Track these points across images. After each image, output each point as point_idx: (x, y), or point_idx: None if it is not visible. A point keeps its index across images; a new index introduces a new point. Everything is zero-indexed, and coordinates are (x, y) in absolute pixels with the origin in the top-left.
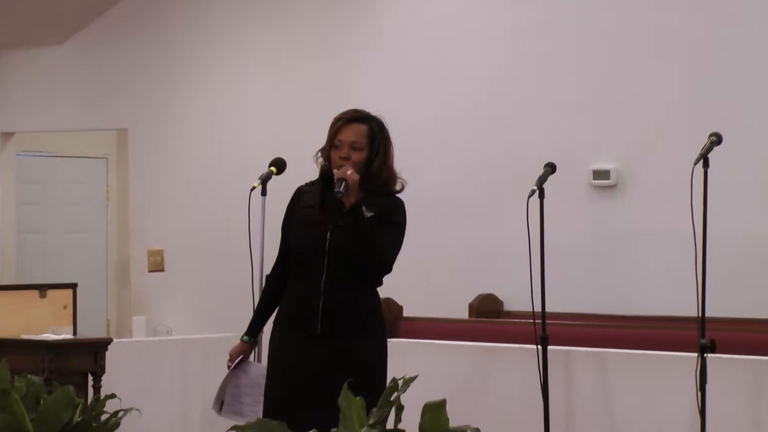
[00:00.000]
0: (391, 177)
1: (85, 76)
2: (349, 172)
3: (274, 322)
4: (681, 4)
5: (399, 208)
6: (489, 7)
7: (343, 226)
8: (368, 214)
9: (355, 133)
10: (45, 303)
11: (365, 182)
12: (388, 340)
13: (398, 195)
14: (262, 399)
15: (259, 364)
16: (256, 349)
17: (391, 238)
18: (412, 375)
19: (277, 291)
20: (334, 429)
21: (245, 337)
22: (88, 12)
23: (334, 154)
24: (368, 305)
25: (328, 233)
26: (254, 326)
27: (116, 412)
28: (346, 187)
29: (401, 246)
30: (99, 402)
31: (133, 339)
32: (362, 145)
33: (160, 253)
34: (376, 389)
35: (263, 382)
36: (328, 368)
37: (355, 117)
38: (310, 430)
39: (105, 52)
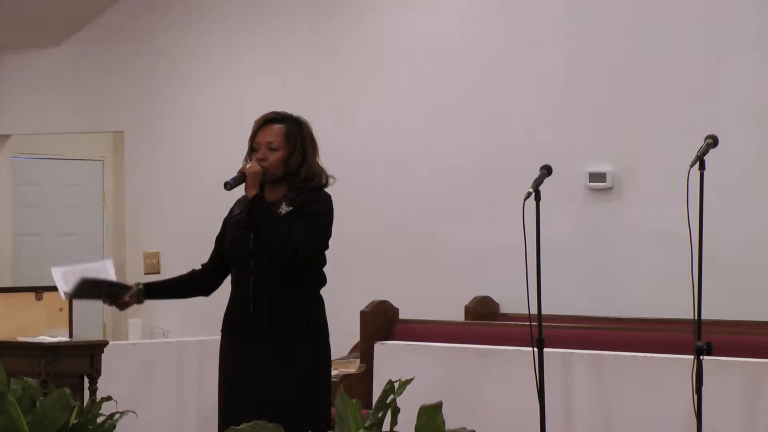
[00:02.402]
0: (311, 174)
1: (81, 78)
2: (248, 165)
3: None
4: (677, 7)
5: (317, 200)
6: (484, 9)
7: (257, 218)
8: (287, 209)
9: (271, 133)
10: (41, 305)
11: (287, 181)
12: (385, 342)
13: (325, 189)
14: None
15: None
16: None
17: (305, 228)
18: (408, 378)
19: (188, 275)
20: None
21: (140, 284)
22: (84, 15)
23: (253, 157)
24: (302, 305)
25: (252, 234)
26: (151, 284)
27: (112, 415)
28: (238, 179)
29: (322, 235)
30: (95, 404)
31: (129, 341)
32: (278, 145)
33: (155, 255)
34: (306, 391)
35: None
36: (263, 368)
37: (270, 118)
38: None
39: (101, 54)
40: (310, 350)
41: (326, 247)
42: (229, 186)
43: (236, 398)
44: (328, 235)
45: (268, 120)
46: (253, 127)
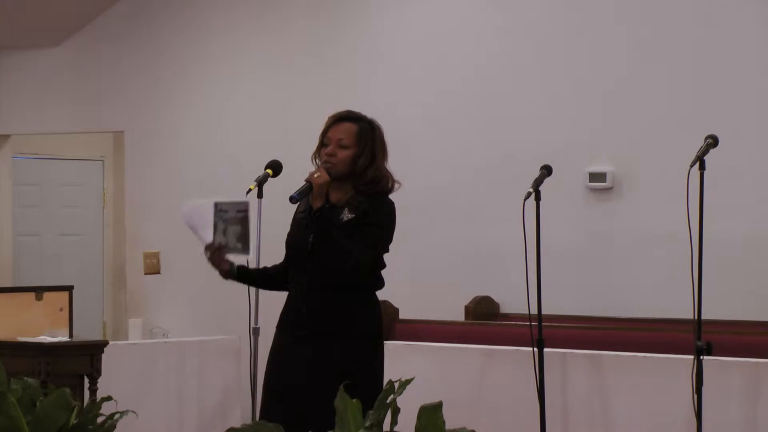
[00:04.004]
0: (377, 177)
1: (81, 78)
2: (316, 175)
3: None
4: (677, 8)
5: (379, 210)
6: (483, 9)
7: (319, 231)
8: (349, 216)
9: (342, 130)
10: (41, 305)
11: (353, 180)
12: (385, 342)
13: (389, 196)
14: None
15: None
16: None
17: (366, 241)
18: (409, 377)
19: (273, 268)
20: None
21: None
22: (84, 15)
23: (323, 152)
24: (355, 307)
25: (311, 236)
26: (245, 268)
27: (112, 415)
28: (303, 191)
29: (383, 246)
30: (95, 404)
31: (129, 341)
32: (349, 143)
33: (156, 255)
34: (361, 392)
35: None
36: (314, 369)
37: (345, 116)
38: (301, 428)
39: (101, 54)
40: (363, 352)
41: (387, 251)
42: (294, 200)
43: (285, 398)
44: (389, 242)
45: (341, 117)
46: (326, 122)
